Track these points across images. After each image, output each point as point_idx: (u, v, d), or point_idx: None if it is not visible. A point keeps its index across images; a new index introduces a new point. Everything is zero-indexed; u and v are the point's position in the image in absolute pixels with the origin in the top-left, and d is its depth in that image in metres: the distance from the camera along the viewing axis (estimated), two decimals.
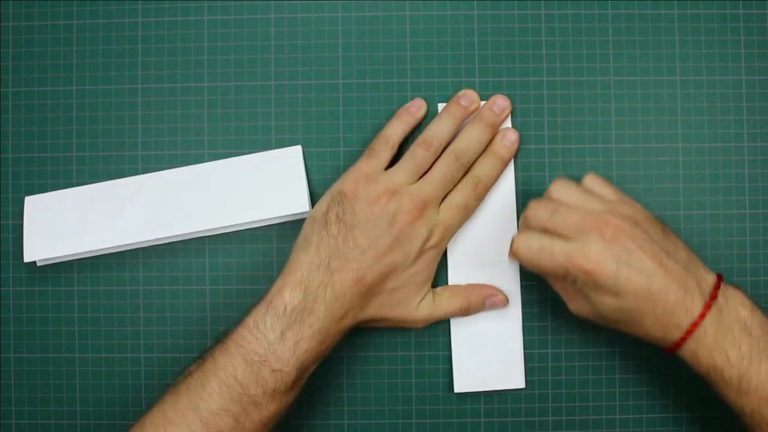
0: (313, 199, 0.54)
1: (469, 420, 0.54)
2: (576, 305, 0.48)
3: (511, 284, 0.53)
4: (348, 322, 0.48)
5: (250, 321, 0.46)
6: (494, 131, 0.53)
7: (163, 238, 0.54)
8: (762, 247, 0.54)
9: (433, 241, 0.50)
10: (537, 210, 0.47)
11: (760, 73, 0.54)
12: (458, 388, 0.53)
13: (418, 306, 0.51)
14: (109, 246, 0.53)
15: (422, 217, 0.49)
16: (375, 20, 0.55)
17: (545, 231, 0.46)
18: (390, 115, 0.54)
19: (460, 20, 0.55)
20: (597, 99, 0.54)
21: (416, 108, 0.53)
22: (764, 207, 0.54)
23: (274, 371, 0.45)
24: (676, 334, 0.45)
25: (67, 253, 0.53)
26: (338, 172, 0.53)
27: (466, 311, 0.52)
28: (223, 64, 0.55)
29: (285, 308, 0.46)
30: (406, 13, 0.55)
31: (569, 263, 0.45)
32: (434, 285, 0.52)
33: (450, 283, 0.53)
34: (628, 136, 0.54)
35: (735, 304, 0.45)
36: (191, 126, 0.55)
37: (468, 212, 0.52)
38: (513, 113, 0.54)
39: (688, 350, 0.45)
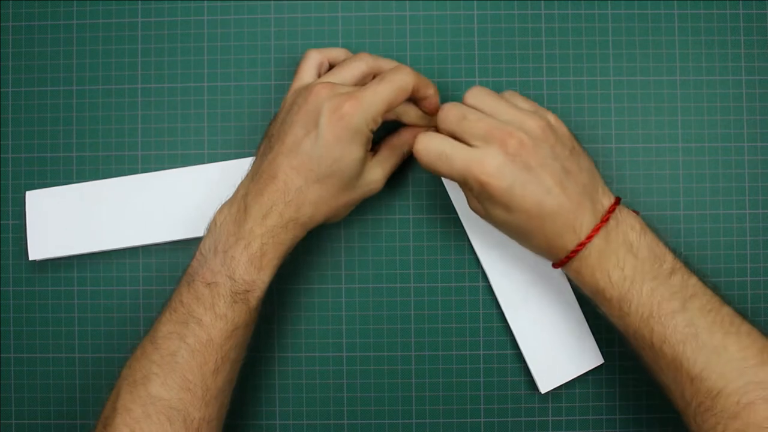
0: None
1: (469, 420, 0.54)
2: (474, 205, 0.48)
3: (554, 272, 0.52)
4: (274, 221, 0.46)
5: (196, 251, 0.47)
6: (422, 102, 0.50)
7: (162, 238, 0.54)
8: (762, 247, 0.54)
9: (339, 115, 0.45)
10: (448, 113, 0.46)
11: (760, 73, 0.54)
12: (544, 388, 0.52)
13: (359, 183, 0.48)
14: (110, 247, 0.53)
15: (317, 96, 0.46)
16: (375, 20, 0.55)
17: (452, 135, 0.46)
18: None
19: (460, 20, 0.55)
20: (597, 99, 0.54)
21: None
22: (764, 207, 0.54)
23: (209, 284, 0.45)
24: (561, 254, 0.46)
25: (70, 253, 0.53)
26: None
27: (405, 156, 0.51)
28: (223, 64, 0.55)
29: (216, 225, 0.47)
30: (406, 13, 0.55)
31: (467, 171, 0.45)
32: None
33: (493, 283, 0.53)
34: (628, 136, 0.54)
35: (625, 228, 0.45)
36: (191, 126, 0.55)
37: (364, 100, 0.46)
38: None
39: (572, 269, 0.46)
